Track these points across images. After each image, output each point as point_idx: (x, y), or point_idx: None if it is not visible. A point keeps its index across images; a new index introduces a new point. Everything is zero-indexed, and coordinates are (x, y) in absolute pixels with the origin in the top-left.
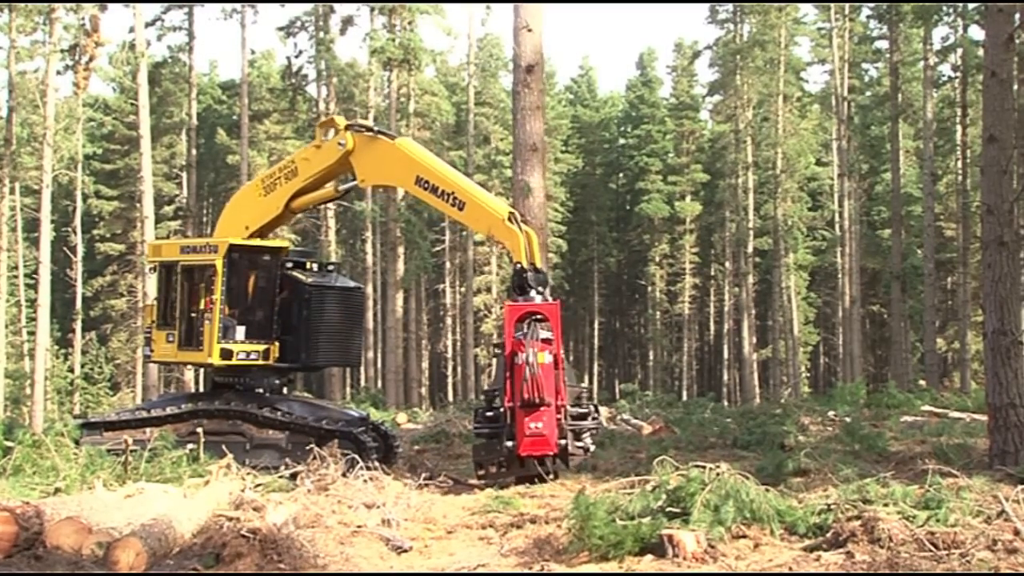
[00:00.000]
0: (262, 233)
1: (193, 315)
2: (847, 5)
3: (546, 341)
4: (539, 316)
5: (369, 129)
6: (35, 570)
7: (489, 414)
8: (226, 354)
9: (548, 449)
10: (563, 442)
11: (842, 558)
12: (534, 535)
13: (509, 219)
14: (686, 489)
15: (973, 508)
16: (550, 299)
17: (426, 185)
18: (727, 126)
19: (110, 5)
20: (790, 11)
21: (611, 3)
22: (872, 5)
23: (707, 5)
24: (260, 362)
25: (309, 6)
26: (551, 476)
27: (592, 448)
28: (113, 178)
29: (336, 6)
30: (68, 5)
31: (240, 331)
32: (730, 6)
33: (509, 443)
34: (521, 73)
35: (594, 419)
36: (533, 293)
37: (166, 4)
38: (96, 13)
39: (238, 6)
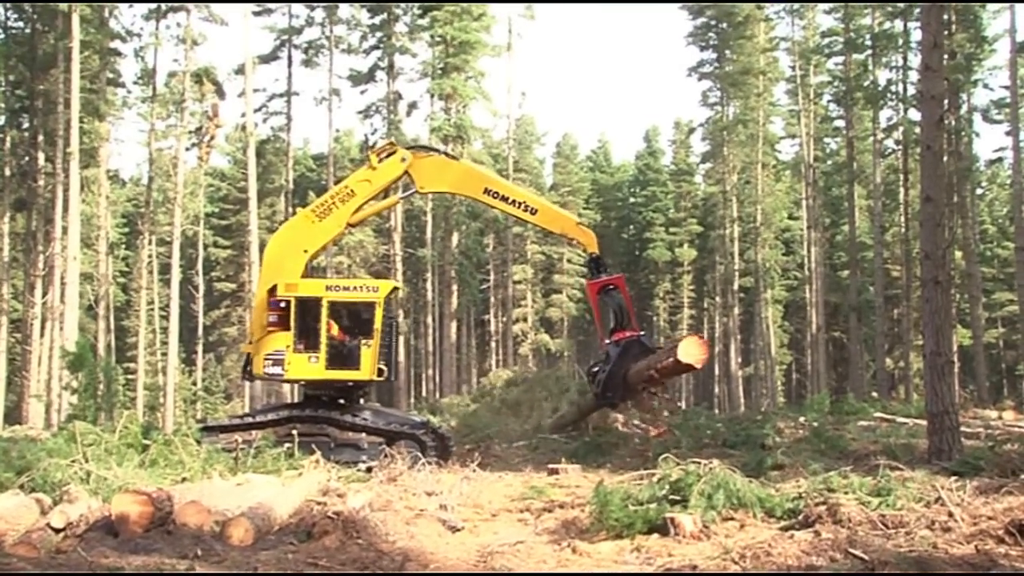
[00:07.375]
0: (319, 253)
1: (347, 341)
2: (812, 90)
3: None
4: (612, 286)
5: (429, 149)
6: (167, 543)
7: (595, 369)
8: (380, 372)
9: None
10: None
11: (811, 536)
12: (562, 518)
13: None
14: (685, 480)
15: (916, 495)
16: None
17: (496, 195)
18: (717, 188)
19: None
20: (766, 96)
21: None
22: (831, 91)
23: (700, 91)
24: (380, 378)
25: (383, 92)
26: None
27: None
28: (227, 231)
29: (404, 93)
30: (194, 96)
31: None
32: (719, 92)
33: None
34: None
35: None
36: (601, 274)
37: (270, 93)
38: (216, 102)
39: (326, 94)
